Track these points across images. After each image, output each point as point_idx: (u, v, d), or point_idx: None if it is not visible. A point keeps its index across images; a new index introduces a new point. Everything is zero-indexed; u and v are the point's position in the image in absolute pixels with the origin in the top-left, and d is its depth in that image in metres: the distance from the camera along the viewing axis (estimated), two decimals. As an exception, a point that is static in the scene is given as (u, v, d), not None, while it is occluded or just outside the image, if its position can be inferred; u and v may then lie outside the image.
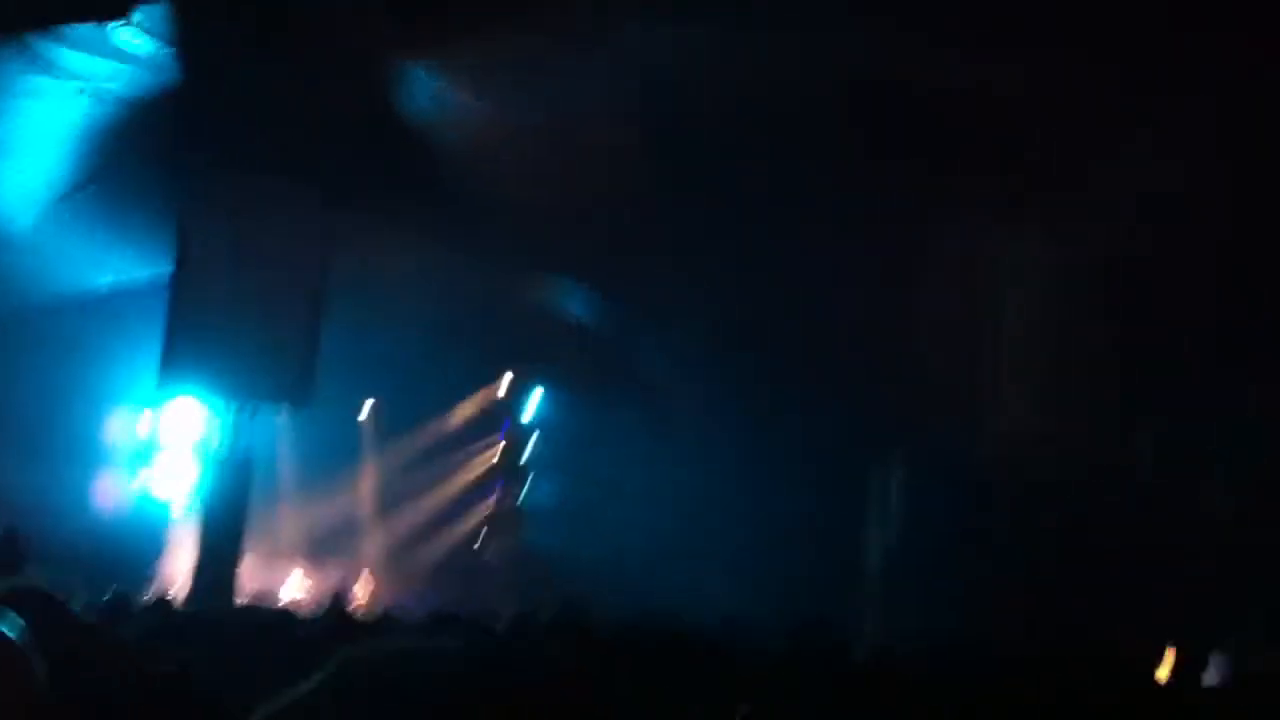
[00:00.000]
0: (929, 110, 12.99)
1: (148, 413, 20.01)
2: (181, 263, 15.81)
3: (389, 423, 23.72)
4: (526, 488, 25.03)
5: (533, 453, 24.99)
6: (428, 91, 15.23)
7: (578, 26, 12.44)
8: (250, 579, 18.35)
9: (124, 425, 20.43)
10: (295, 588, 20.88)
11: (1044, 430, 13.72)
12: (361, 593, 20.55)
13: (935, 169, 13.64)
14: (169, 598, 13.56)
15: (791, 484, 17.23)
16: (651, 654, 4.94)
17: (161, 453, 20.01)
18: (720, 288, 16.97)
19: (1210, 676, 11.07)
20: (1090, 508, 13.80)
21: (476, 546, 24.83)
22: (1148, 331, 13.40)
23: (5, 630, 1.41)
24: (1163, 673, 11.31)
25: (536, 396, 24.76)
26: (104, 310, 19.00)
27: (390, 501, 23.96)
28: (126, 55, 14.11)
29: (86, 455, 19.61)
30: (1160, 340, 13.38)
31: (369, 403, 23.62)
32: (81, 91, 14.32)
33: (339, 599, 17.12)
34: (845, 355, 15.94)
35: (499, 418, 25.14)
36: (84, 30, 13.42)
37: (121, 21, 13.55)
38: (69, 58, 13.72)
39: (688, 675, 4.78)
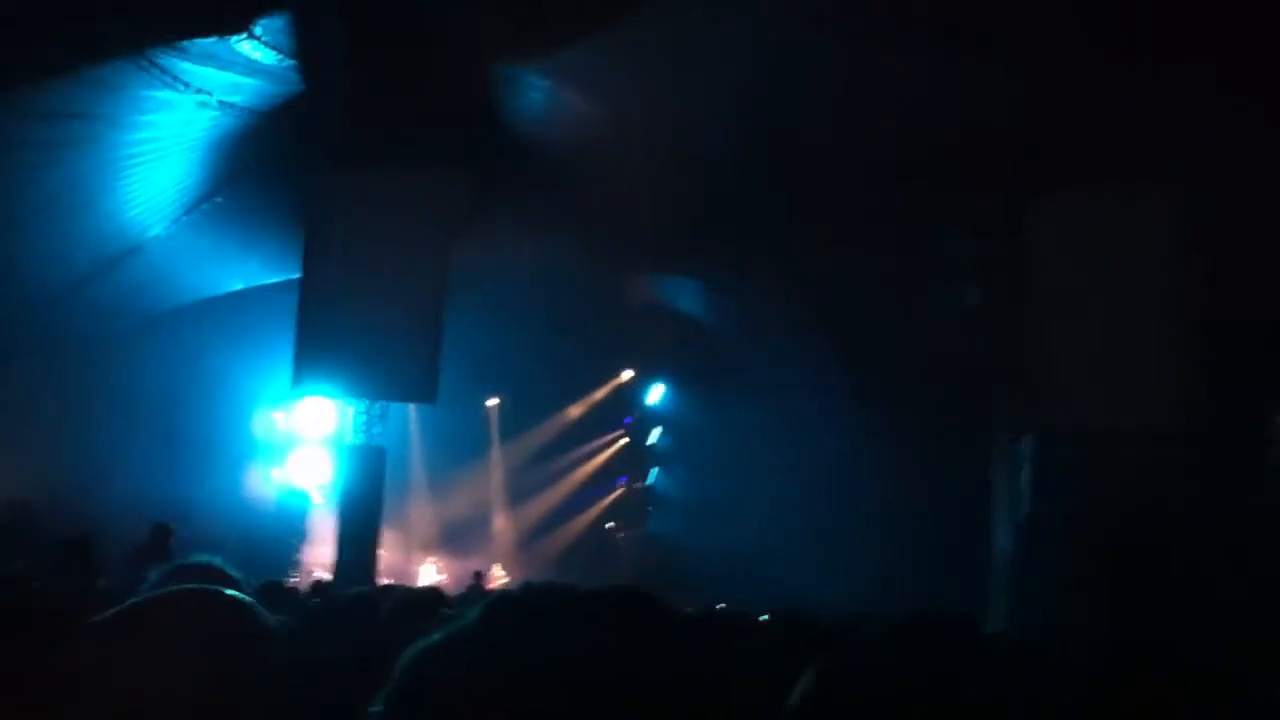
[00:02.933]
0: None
1: (283, 409, 20.75)
2: (308, 266, 16.27)
3: (514, 417, 24.16)
4: (650, 478, 25.27)
5: (655, 444, 25.22)
6: (538, 93, 15.40)
7: (677, 21, 12.44)
8: (387, 568, 18.90)
9: (261, 422, 21.19)
10: (430, 576, 21.42)
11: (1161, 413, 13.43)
12: (495, 579, 20.96)
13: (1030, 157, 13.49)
14: (324, 582, 14.05)
15: (910, 474, 17.11)
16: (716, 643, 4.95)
17: (298, 447, 20.76)
18: (830, 279, 16.91)
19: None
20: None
21: (603, 533, 25.18)
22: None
23: (240, 597, 1.53)
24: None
25: (657, 390, 25.00)
26: (237, 314, 19.73)
27: (517, 492, 24.43)
28: (248, 67, 14.48)
29: (228, 451, 20.40)
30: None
31: (493, 398, 24.11)
32: (205, 104, 14.75)
33: (479, 578, 17.54)
34: (960, 340, 15.76)
35: (621, 411, 25.45)
36: (206, 44, 13.77)
37: (243, 35, 13.88)
38: (192, 71, 14.05)
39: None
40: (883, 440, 17.82)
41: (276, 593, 7.85)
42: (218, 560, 2.69)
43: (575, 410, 24.64)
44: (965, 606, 14.09)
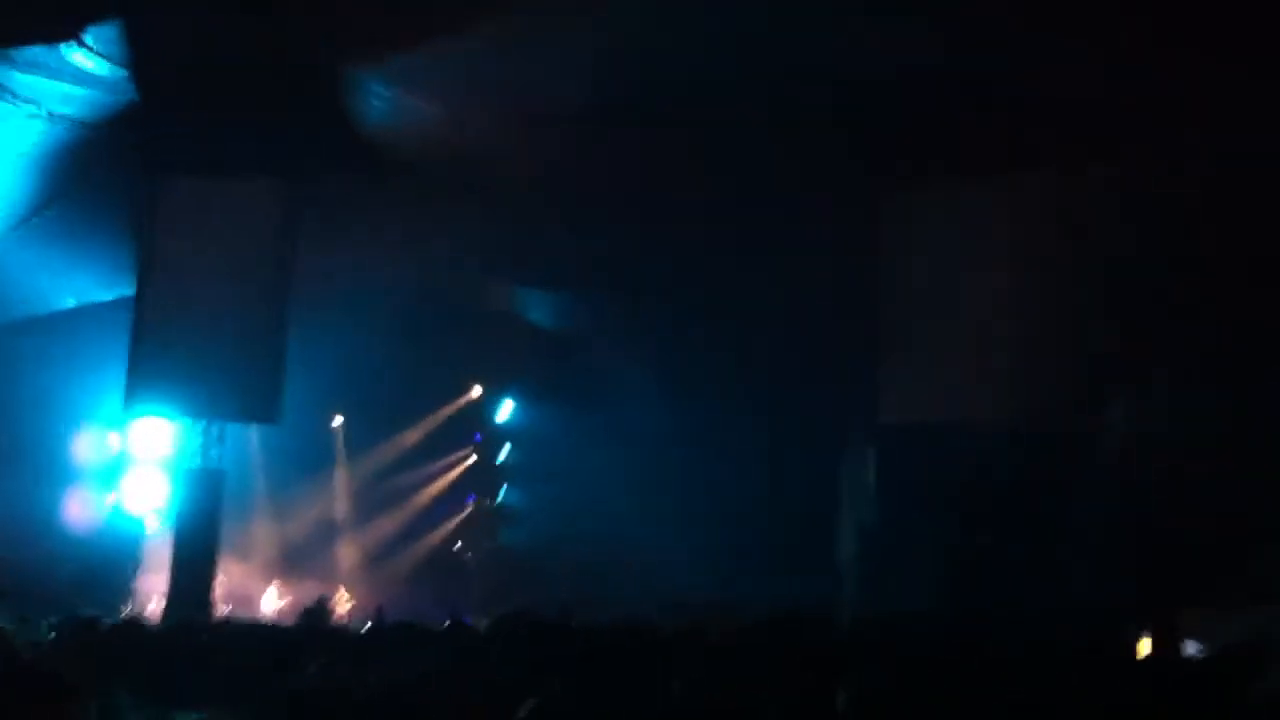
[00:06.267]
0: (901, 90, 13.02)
1: (117, 430, 20.08)
2: (142, 281, 15.85)
3: (360, 434, 23.83)
4: (501, 493, 25.20)
5: (505, 459, 25.17)
6: (383, 100, 15.28)
7: (519, 29, 12.43)
8: (227, 593, 18.41)
9: (94, 443, 20.46)
10: (272, 600, 20.96)
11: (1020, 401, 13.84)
12: (340, 602, 20.60)
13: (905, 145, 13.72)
14: (140, 616, 13.62)
15: (764, 471, 17.44)
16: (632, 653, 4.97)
17: (132, 469, 20.09)
18: (680, 277, 17.11)
19: (1189, 646, 11.22)
20: (1065, 478, 13.90)
21: (453, 551, 24.99)
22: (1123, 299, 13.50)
23: None
24: (1142, 645, 11.47)
25: (507, 406, 24.97)
26: (69, 331, 19.06)
27: (365, 511, 24.08)
28: (79, 77, 14.11)
29: (57, 473, 19.65)
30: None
31: (339, 416, 23.75)
32: (35, 115, 14.33)
33: (319, 607, 17.23)
34: (811, 335, 16.09)
35: (470, 426, 25.28)
36: (35, 52, 13.40)
37: (73, 43, 13.54)
38: (21, 81, 13.70)
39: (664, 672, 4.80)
40: (731, 436, 18.14)
41: (86, 626, 7.61)
42: None
43: (423, 429, 24.40)
44: (813, 594, 14.38)
